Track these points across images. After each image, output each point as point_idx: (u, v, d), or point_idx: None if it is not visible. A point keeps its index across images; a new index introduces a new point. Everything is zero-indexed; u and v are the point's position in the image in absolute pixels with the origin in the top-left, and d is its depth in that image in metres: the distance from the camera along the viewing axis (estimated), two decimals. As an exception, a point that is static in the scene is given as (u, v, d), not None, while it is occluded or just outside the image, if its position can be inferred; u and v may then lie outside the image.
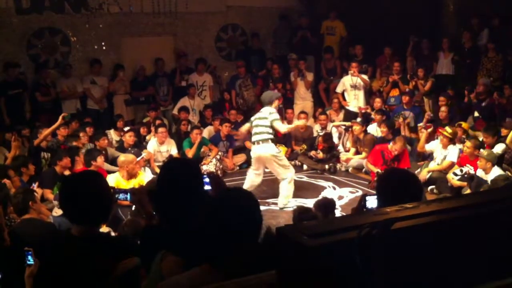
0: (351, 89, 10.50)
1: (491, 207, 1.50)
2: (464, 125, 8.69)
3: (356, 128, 9.36)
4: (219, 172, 9.06)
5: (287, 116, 10.39)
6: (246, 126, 7.79)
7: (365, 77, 10.44)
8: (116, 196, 3.65)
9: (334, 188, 8.41)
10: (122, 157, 7.17)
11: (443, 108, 9.18)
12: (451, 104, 9.44)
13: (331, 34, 11.92)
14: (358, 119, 9.99)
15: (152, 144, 9.11)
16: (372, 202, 3.24)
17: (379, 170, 8.00)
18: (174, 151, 9.18)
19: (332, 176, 9.03)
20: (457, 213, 1.44)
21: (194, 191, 2.62)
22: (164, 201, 2.62)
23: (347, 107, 10.60)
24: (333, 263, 1.26)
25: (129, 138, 8.92)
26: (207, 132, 10.02)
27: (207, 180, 3.06)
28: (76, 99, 10.48)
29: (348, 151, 9.66)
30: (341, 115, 10.63)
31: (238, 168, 9.66)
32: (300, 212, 4.76)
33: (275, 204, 7.50)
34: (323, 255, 1.26)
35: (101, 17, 10.81)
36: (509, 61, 9.87)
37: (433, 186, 7.91)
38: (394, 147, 8.17)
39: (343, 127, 9.96)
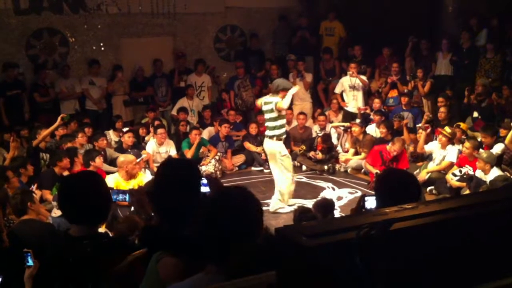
0: (350, 89, 10.50)
1: (490, 207, 1.50)
2: (463, 125, 8.70)
3: (355, 129, 9.36)
4: (218, 172, 9.06)
5: (286, 117, 10.38)
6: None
7: (363, 77, 10.44)
8: (115, 196, 3.65)
9: (333, 189, 8.42)
10: (122, 158, 7.17)
11: (442, 109, 9.18)
12: (450, 104, 9.44)
13: (330, 35, 11.92)
14: (357, 120, 10.00)
15: (151, 145, 9.11)
16: (371, 202, 3.24)
17: (378, 171, 8.01)
18: (173, 152, 9.18)
19: (331, 177, 9.04)
20: (456, 214, 1.44)
21: (191, 191, 2.61)
22: (161, 201, 2.62)
23: (346, 108, 10.60)
24: (332, 264, 1.26)
25: (128, 139, 8.91)
26: (207, 132, 10.02)
27: (205, 182, 3.06)
28: (74, 100, 10.47)
29: (347, 151, 9.66)
30: (340, 115, 10.64)
31: (237, 168, 9.66)
32: (301, 212, 4.77)
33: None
34: (322, 255, 1.26)
35: (99, 17, 10.82)
36: (508, 61, 9.88)
37: (432, 187, 7.91)
38: (393, 148, 8.17)
39: (342, 128, 9.97)
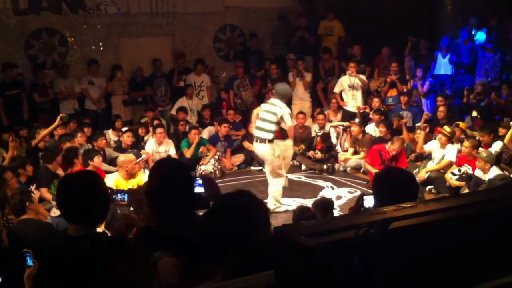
0: (349, 89, 10.50)
1: (489, 206, 1.50)
2: (462, 125, 8.70)
3: (355, 129, 9.36)
4: (217, 172, 9.06)
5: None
6: (254, 114, 7.56)
7: (363, 77, 10.45)
8: (114, 196, 3.64)
9: (333, 188, 8.42)
10: (122, 157, 7.15)
11: (441, 108, 9.19)
12: (449, 104, 9.45)
13: (330, 35, 11.92)
14: (356, 120, 9.99)
15: (151, 144, 9.11)
16: (370, 201, 3.24)
17: (377, 171, 8.00)
18: (172, 152, 9.18)
19: (330, 176, 9.04)
20: (455, 213, 1.44)
21: (182, 190, 2.61)
22: (155, 201, 2.62)
23: (345, 107, 10.60)
24: (331, 263, 1.26)
25: (127, 139, 8.91)
26: (207, 132, 10.02)
27: (200, 182, 3.06)
28: (74, 100, 10.46)
29: (346, 151, 9.66)
30: (339, 115, 10.63)
31: (236, 168, 9.66)
32: (300, 211, 4.77)
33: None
34: (321, 254, 1.26)
35: (98, 17, 10.81)
36: (507, 61, 9.88)
37: (431, 186, 7.91)
38: (392, 147, 8.17)
39: (341, 127, 9.97)
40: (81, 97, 10.55)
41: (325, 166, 9.31)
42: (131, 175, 6.89)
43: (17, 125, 9.07)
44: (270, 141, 7.10)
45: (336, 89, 10.76)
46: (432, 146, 8.38)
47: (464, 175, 7.40)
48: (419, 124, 9.13)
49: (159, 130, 9.07)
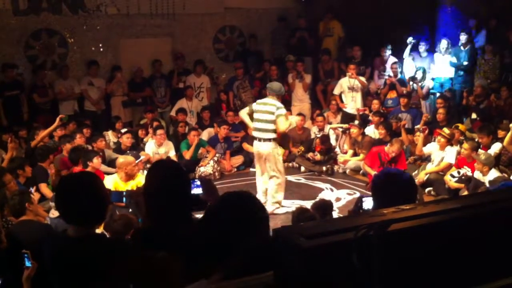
0: (349, 91, 10.49)
1: (488, 208, 1.50)
2: (461, 127, 8.71)
3: (354, 130, 9.35)
4: (216, 173, 9.06)
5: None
6: (246, 115, 7.43)
7: (363, 79, 10.44)
8: (113, 197, 3.65)
9: (332, 190, 8.41)
10: (122, 159, 7.15)
11: (440, 110, 9.19)
12: (448, 106, 9.45)
13: (329, 35, 11.92)
14: (356, 122, 9.99)
15: (150, 146, 9.10)
16: (369, 203, 3.25)
17: (376, 172, 8.00)
18: (172, 153, 9.17)
19: (329, 178, 9.03)
20: (454, 215, 1.44)
21: (179, 192, 2.62)
22: (152, 203, 2.63)
23: (344, 109, 10.60)
24: (330, 264, 1.26)
25: (126, 140, 8.90)
26: (207, 134, 10.02)
27: (198, 183, 3.07)
28: (73, 101, 10.46)
29: (345, 153, 9.66)
30: (339, 117, 10.64)
31: (235, 170, 9.65)
32: (299, 213, 4.76)
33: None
34: (320, 256, 1.26)
35: (98, 18, 10.80)
36: (507, 63, 9.89)
37: (431, 188, 7.91)
38: (391, 149, 8.17)
39: (341, 129, 9.96)
40: (80, 98, 10.55)
41: (324, 168, 9.31)
42: (130, 177, 6.89)
43: (16, 126, 9.06)
44: (274, 139, 7.13)
45: (336, 91, 10.76)
46: (432, 148, 8.37)
47: (463, 177, 7.41)
48: (418, 126, 9.13)
49: (159, 131, 9.06)
